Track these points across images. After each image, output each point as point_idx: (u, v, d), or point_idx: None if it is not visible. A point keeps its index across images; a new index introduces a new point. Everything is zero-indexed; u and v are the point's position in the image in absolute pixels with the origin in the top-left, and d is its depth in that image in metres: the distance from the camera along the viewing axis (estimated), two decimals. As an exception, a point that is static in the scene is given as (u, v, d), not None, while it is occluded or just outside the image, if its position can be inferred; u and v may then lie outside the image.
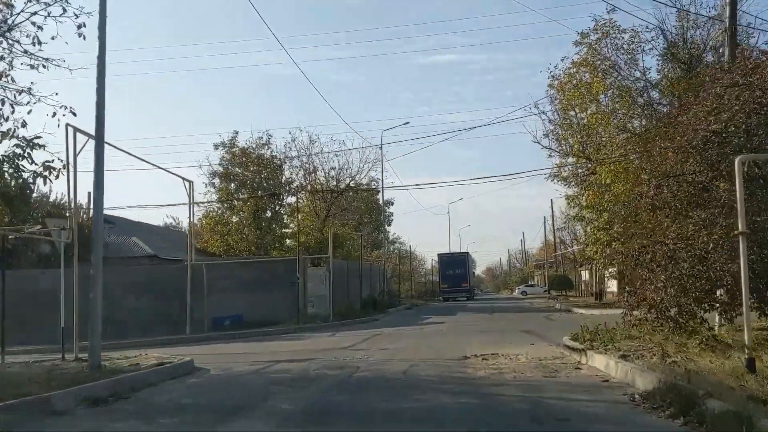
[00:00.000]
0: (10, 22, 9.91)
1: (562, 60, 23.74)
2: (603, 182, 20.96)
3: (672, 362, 7.11)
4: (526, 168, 59.09)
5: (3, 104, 9.88)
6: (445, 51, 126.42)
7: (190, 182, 20.15)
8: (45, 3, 9.68)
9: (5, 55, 9.99)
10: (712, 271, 8.22)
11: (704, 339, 8.13)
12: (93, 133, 10.19)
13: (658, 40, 21.77)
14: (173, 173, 20.71)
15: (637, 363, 7.36)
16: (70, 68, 10.53)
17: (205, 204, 30.91)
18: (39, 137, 9.87)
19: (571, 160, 27.02)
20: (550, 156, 27.58)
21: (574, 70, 23.01)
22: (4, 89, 10.01)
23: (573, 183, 28.08)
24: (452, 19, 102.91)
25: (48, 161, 9.99)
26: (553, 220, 52.20)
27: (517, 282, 76.16)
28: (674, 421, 5.03)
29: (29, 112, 10.10)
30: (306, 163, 33.95)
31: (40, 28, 9.82)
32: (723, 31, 13.54)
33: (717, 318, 9.13)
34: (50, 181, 10.33)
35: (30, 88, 10.17)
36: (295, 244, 25.85)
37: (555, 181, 28.12)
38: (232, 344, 16.28)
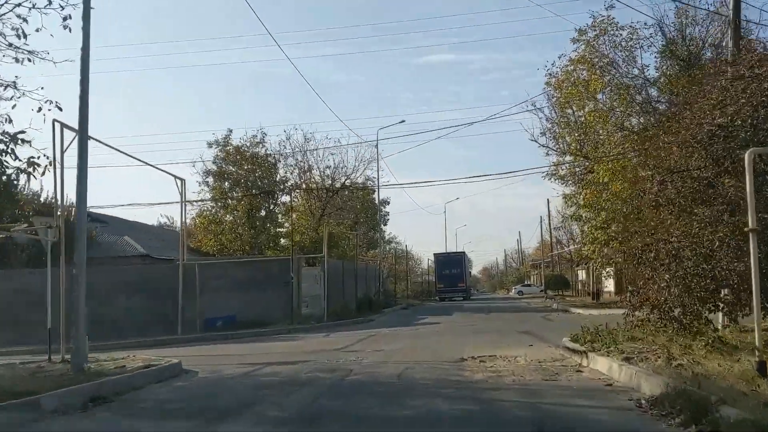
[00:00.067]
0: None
1: (559, 57, 23.54)
2: (601, 181, 20.70)
3: (678, 365, 6.81)
4: (522, 167, 58.64)
5: (-14, 99, 9.60)
6: (446, 51, 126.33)
7: (182, 180, 19.91)
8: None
9: (-11, 48, 9.70)
10: (718, 270, 7.95)
11: (710, 341, 7.85)
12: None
13: (657, 37, 21.67)
14: (164, 171, 20.34)
15: (641, 366, 7.07)
16: (55, 61, 10.30)
17: (199, 203, 30.61)
18: (23, 132, 9.61)
19: (568, 158, 26.82)
20: (547, 154, 27.48)
21: (572, 67, 22.81)
22: (-13, 83, 9.72)
23: (570, 181, 27.88)
24: (451, 18, 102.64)
25: (32, 157, 9.73)
26: (549, 219, 52.08)
27: (514, 282, 76.20)
28: (686, 429, 4.71)
29: (14, 106, 9.92)
30: (301, 161, 33.70)
31: (24, 20, 9.54)
32: (725, 24, 13.30)
33: (721, 318, 8.84)
34: (35, 177, 10.08)
35: (15, 82, 9.93)
36: (289, 244, 25.51)
37: (552, 179, 27.98)
38: (224, 345, 15.98)
